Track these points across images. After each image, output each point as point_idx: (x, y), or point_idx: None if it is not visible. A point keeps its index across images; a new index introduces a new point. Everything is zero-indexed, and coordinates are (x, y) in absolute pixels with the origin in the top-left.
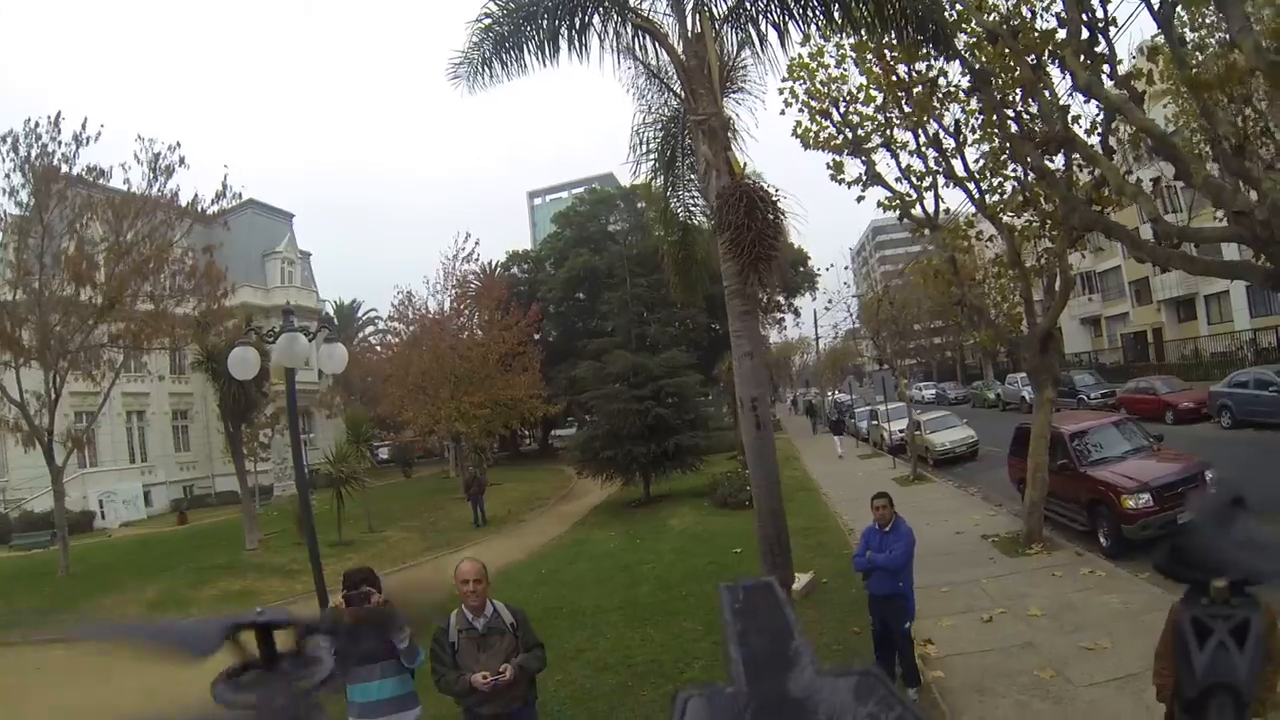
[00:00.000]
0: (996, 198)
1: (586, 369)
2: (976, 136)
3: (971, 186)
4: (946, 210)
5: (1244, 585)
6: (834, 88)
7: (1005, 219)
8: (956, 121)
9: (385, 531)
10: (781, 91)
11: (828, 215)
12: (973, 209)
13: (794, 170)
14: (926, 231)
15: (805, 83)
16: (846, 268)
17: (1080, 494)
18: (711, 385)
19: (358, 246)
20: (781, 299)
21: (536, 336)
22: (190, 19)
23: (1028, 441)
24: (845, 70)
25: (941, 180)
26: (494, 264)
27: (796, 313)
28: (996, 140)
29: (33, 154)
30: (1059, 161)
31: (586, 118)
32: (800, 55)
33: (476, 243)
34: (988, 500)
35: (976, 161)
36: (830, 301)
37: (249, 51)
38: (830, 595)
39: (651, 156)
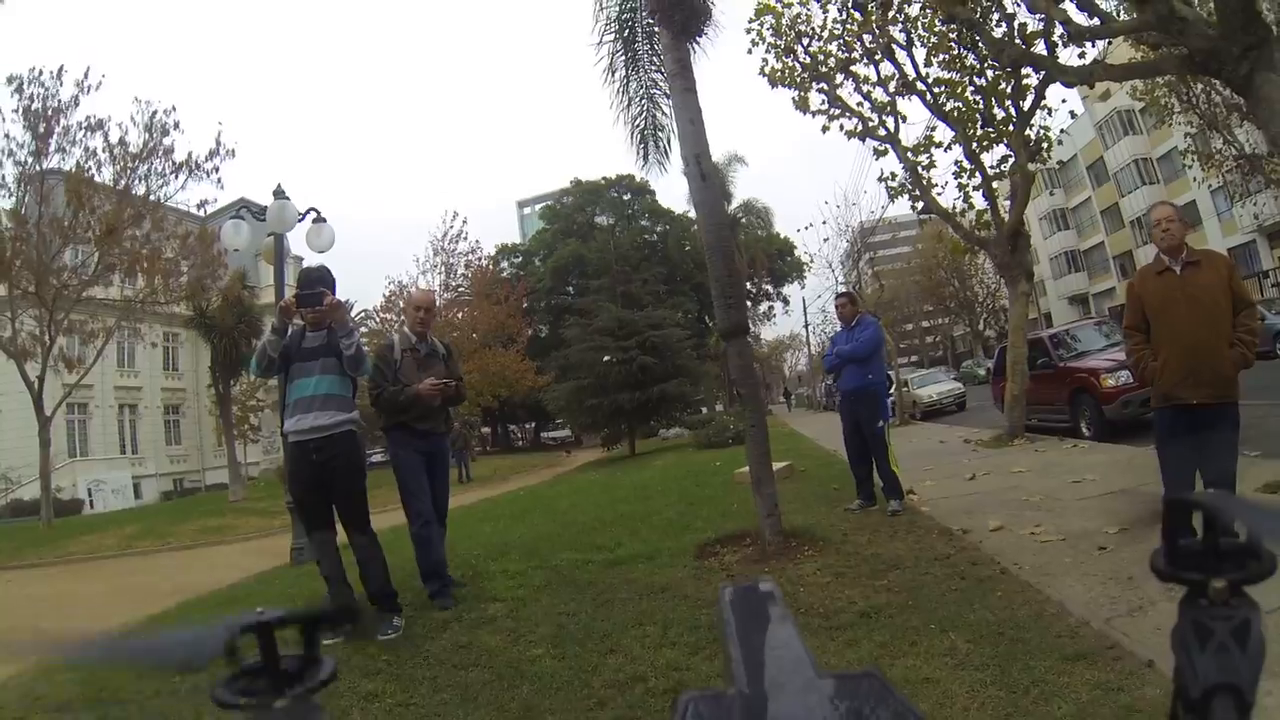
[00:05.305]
0: (952, 105)
1: (573, 326)
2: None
3: (929, 96)
4: (904, 118)
5: (1242, 584)
6: (798, 24)
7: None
8: (907, 31)
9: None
10: (749, 31)
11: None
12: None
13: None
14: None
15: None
16: (825, 223)
17: (1061, 390)
18: (702, 364)
19: (348, 245)
20: (769, 288)
21: (529, 331)
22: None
23: None
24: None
25: (900, 100)
26: (484, 256)
27: (785, 301)
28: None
29: (34, 104)
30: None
31: (580, 131)
32: None
33: (465, 221)
34: (973, 428)
35: (928, 64)
36: (812, 258)
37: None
38: (808, 474)
39: (612, 29)
